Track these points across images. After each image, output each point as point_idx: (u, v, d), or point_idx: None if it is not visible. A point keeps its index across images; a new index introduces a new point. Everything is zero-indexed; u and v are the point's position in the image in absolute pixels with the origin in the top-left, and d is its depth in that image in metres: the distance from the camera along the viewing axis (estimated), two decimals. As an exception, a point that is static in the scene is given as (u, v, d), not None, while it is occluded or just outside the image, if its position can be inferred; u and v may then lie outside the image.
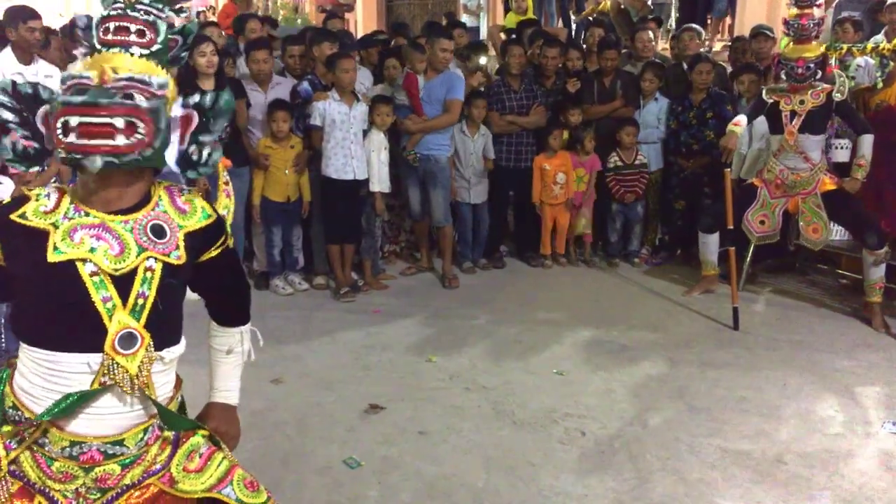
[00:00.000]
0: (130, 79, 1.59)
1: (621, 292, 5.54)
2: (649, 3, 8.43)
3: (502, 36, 7.55)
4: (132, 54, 1.65)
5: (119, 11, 1.66)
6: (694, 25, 6.76)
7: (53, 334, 1.64)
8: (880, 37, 6.27)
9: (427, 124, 5.46)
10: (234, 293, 2.02)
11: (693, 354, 4.42)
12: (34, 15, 4.53)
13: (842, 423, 3.62)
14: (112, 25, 1.66)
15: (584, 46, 6.75)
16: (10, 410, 1.69)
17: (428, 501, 3.02)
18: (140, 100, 1.58)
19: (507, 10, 8.73)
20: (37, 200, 1.66)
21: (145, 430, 1.73)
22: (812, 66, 4.60)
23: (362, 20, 13.69)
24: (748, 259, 5.40)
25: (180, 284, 1.75)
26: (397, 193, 5.82)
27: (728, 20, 9.31)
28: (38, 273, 1.62)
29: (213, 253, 1.82)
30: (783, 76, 4.70)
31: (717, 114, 5.74)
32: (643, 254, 6.18)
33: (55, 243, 1.61)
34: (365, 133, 5.31)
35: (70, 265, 1.61)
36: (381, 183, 5.37)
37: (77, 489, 1.68)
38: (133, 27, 1.66)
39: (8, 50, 4.48)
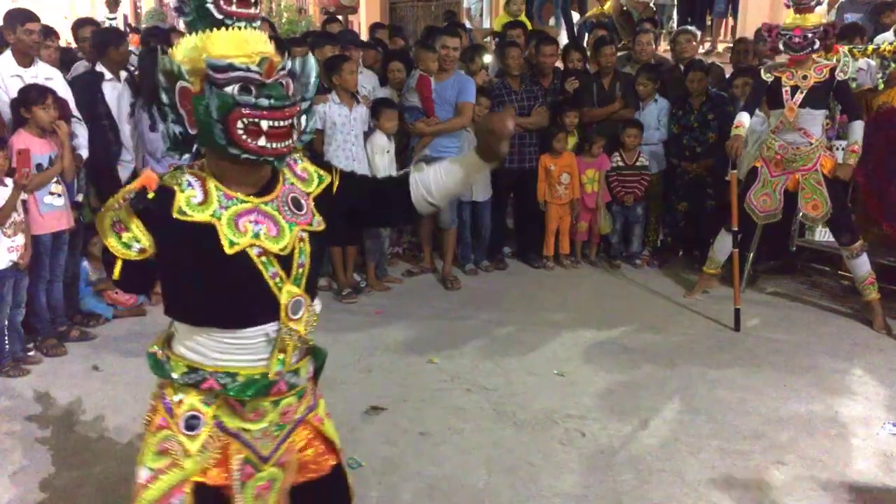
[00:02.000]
0: (285, 71, 1.67)
1: (623, 294, 5.55)
2: (651, 4, 8.45)
3: (487, 40, 7.59)
4: (254, 28, 1.68)
5: None
6: (690, 28, 6.78)
7: (233, 314, 1.76)
8: (889, 34, 6.24)
9: (440, 127, 5.46)
10: (377, 190, 2.02)
11: (694, 356, 4.43)
12: (32, 17, 4.55)
13: (842, 425, 3.63)
14: None
15: (587, 48, 6.77)
16: (190, 374, 1.80)
17: (428, 502, 3.03)
18: (293, 94, 1.69)
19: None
20: (183, 192, 1.71)
21: (307, 364, 1.94)
22: (810, 35, 4.57)
23: (366, 22, 13.72)
24: (750, 260, 5.41)
25: (323, 243, 1.88)
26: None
27: (731, 21, 9.32)
28: (214, 264, 1.70)
29: (336, 185, 1.90)
30: (781, 47, 4.66)
31: (718, 116, 5.75)
32: (645, 255, 6.19)
33: (227, 236, 1.70)
34: (366, 135, 5.33)
35: (242, 252, 1.71)
36: None
37: (264, 429, 1.86)
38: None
39: (7, 52, 4.50)
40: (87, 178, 4.84)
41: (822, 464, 3.29)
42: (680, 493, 3.07)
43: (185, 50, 1.65)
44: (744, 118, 4.85)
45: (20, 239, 4.14)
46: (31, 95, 4.23)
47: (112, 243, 1.73)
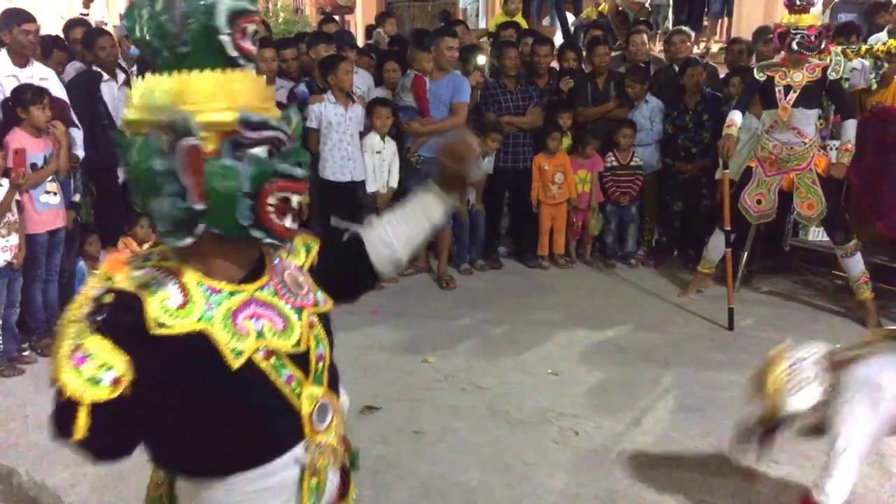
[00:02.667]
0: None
1: (617, 293, 5.56)
2: (647, 4, 8.47)
3: (483, 40, 7.61)
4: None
5: (250, 7, 1.29)
6: (685, 28, 6.80)
7: (247, 449, 1.34)
8: (883, 34, 6.27)
9: (434, 126, 5.45)
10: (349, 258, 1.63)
11: (688, 355, 4.44)
12: (29, 18, 4.55)
13: (834, 423, 3.64)
14: (250, 28, 1.30)
15: (582, 48, 6.79)
16: None
17: (422, 501, 3.04)
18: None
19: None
20: (153, 295, 1.27)
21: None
22: (820, 33, 4.60)
23: (362, 21, 13.74)
24: (744, 259, 5.43)
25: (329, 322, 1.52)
26: (396, 195, 5.84)
27: (726, 21, 9.34)
28: (214, 385, 1.29)
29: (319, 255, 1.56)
30: (794, 46, 4.63)
31: (713, 116, 5.77)
32: (640, 255, 6.21)
33: (229, 345, 1.29)
34: (362, 135, 5.34)
35: (248, 361, 1.31)
36: (377, 182, 5.38)
37: None
38: (258, 32, 1.35)
39: (3, 52, 4.50)
40: (84, 178, 4.84)
41: (815, 462, 3.29)
42: (673, 492, 3.08)
43: (161, 94, 1.25)
44: (736, 117, 4.87)
45: (14, 239, 4.14)
46: (27, 95, 4.23)
47: (69, 383, 1.19)
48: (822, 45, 4.60)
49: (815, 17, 4.66)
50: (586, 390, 3.99)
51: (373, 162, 5.33)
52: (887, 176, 4.95)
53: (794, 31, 4.61)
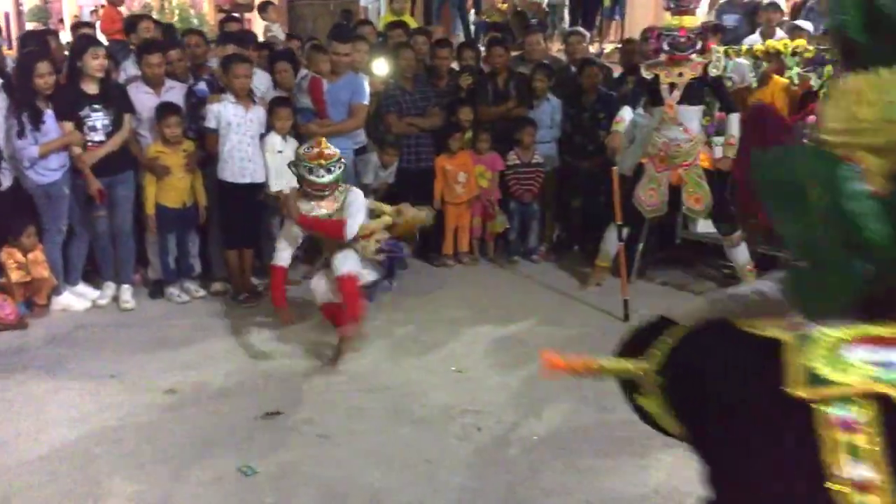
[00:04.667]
0: None
1: (520, 289, 5.67)
2: (544, 5, 8.66)
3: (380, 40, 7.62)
4: None
5: None
6: (580, 29, 7.00)
7: None
8: (755, 36, 6.65)
9: (333, 128, 5.40)
10: None
11: (586, 347, 4.54)
12: None
13: (722, 407, 3.82)
14: None
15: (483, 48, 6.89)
16: None
17: (325, 505, 3.03)
18: None
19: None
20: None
21: None
22: (693, 35, 4.82)
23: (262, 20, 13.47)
24: (639, 252, 5.64)
25: None
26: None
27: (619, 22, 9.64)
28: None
29: None
30: (665, 47, 4.87)
31: (609, 115, 5.95)
32: (541, 251, 6.35)
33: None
34: (263, 136, 5.25)
35: None
36: (280, 182, 5.30)
37: None
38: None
39: None
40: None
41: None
42: (572, 481, 3.17)
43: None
44: (625, 113, 5.06)
45: None
46: None
47: None
48: (699, 46, 4.82)
49: (692, 19, 4.87)
50: (489, 386, 4.05)
51: (274, 162, 5.25)
52: (768, 170, 5.21)
53: (666, 33, 4.84)
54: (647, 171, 5.16)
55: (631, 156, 5.43)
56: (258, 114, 5.18)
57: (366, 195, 5.52)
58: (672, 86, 4.93)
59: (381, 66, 5.92)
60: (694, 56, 4.89)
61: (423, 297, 5.46)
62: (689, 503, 2.99)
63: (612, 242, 5.33)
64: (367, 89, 5.55)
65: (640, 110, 5.25)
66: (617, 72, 6.70)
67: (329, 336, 4.71)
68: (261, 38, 8.25)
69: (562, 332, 4.80)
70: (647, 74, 5.02)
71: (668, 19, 4.93)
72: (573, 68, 6.38)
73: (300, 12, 13.76)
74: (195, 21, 13.34)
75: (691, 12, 4.89)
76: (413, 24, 7.85)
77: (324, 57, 5.44)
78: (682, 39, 4.81)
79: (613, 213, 5.19)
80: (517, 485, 3.15)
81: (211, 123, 5.10)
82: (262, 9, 8.17)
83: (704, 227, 5.48)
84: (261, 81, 5.64)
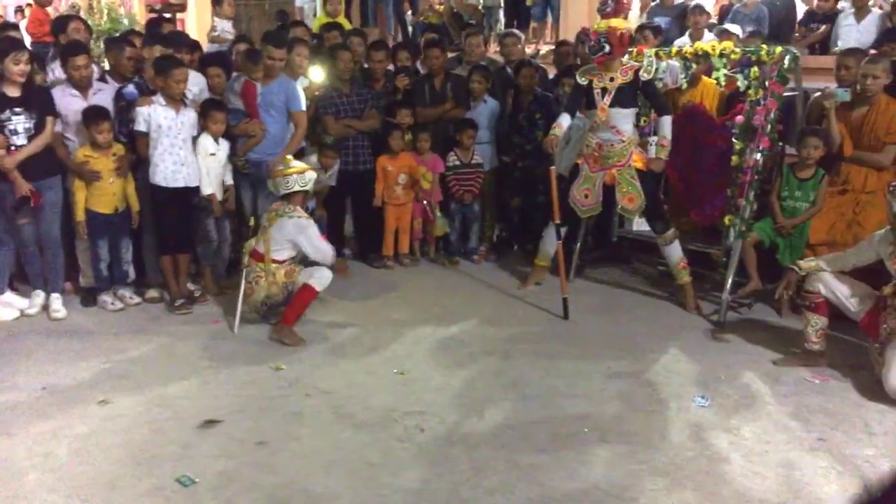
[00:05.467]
0: None
1: (461, 290, 5.70)
2: (479, 7, 8.71)
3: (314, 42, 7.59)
4: None
5: None
6: (515, 31, 7.07)
7: None
8: (685, 39, 6.83)
9: (290, 146, 5.38)
10: None
11: (527, 345, 4.62)
12: None
13: (658, 401, 3.91)
14: None
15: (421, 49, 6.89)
16: None
17: (266, 512, 2.99)
18: None
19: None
20: None
21: None
22: (602, 40, 4.88)
23: (196, 20, 13.24)
24: (577, 250, 5.73)
25: None
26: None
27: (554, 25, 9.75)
28: None
29: None
30: (587, 50, 4.97)
31: (545, 115, 6.04)
32: (482, 251, 6.39)
33: None
34: (195, 139, 5.15)
35: None
36: (213, 185, 5.22)
37: None
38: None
39: None
40: None
41: (641, 438, 3.54)
42: (514, 479, 3.20)
43: None
44: (563, 120, 5.14)
45: None
46: None
47: None
48: (607, 50, 4.90)
49: (620, 22, 4.97)
50: (431, 387, 4.06)
51: (206, 164, 5.16)
52: (698, 169, 5.37)
53: (583, 37, 4.93)
54: (582, 171, 5.25)
55: (567, 157, 5.51)
56: (190, 116, 5.08)
57: (309, 198, 5.52)
58: (605, 90, 5.02)
59: (318, 73, 5.88)
60: (625, 59, 4.99)
61: (364, 299, 5.43)
62: (628, 496, 3.06)
63: (551, 242, 5.40)
64: (302, 94, 5.51)
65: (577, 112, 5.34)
66: (552, 73, 6.80)
67: (267, 341, 4.66)
68: (206, 36, 8.11)
69: (503, 331, 4.84)
70: (581, 80, 5.11)
71: (598, 22, 5.02)
72: (509, 69, 6.44)
73: (235, 12, 13.55)
74: (125, 21, 12.99)
75: (615, 15, 4.96)
76: (348, 25, 7.81)
77: (253, 66, 5.37)
78: (591, 43, 4.91)
79: (551, 213, 5.26)
80: (460, 485, 3.16)
81: (141, 127, 4.98)
82: (217, 2, 7.99)
83: (639, 225, 5.60)
84: (194, 83, 5.53)
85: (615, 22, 4.92)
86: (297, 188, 4.77)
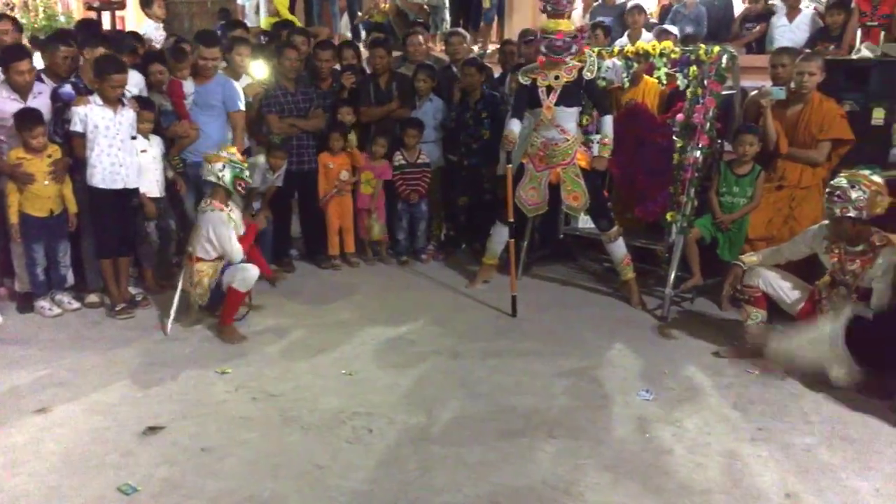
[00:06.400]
0: None
1: (410, 289, 5.69)
2: (425, 6, 8.70)
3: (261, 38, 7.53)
4: None
5: None
6: (460, 30, 7.09)
7: None
8: (624, 39, 6.94)
9: (238, 146, 5.28)
10: None
11: (475, 344, 4.64)
12: None
13: (604, 396, 3.97)
14: None
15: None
16: None
17: (211, 519, 2.94)
18: None
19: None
20: None
21: None
22: (569, 39, 4.95)
23: (135, 18, 12.93)
24: (524, 249, 5.77)
25: None
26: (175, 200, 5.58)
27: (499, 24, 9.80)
28: None
29: None
30: (543, 49, 4.99)
31: (492, 114, 6.07)
32: (430, 250, 6.39)
33: None
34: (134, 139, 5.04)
35: None
36: (146, 184, 5.12)
37: None
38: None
39: None
40: None
41: (587, 432, 3.59)
42: (462, 477, 3.20)
43: None
44: (514, 126, 5.15)
45: None
46: None
47: None
48: (574, 50, 4.97)
49: (568, 23, 5.03)
50: (380, 387, 4.04)
51: (138, 163, 5.07)
52: (641, 167, 5.45)
53: (544, 36, 4.98)
54: (528, 170, 5.29)
55: (515, 157, 5.53)
56: (128, 116, 4.96)
57: (253, 198, 5.46)
58: (549, 89, 5.07)
59: (260, 69, 5.81)
60: (569, 59, 5.04)
61: (311, 300, 5.39)
62: (575, 491, 3.10)
63: (499, 241, 5.44)
64: (242, 93, 5.44)
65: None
66: (497, 72, 6.84)
67: (211, 345, 4.58)
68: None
69: (451, 330, 4.85)
70: (524, 80, 5.14)
71: (545, 22, 5.07)
72: (455, 68, 6.46)
73: (176, 10, 13.26)
74: (62, 19, 12.63)
75: (561, 16, 5.02)
76: (298, 23, 7.74)
77: (179, 64, 5.28)
78: (559, 43, 4.95)
79: (499, 212, 5.29)
80: (408, 484, 3.15)
81: (77, 127, 4.84)
82: (146, 4, 7.79)
83: (585, 222, 5.67)
84: (133, 83, 5.40)
85: (564, 24, 4.96)
86: (210, 178, 4.69)
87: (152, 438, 3.47)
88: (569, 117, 5.13)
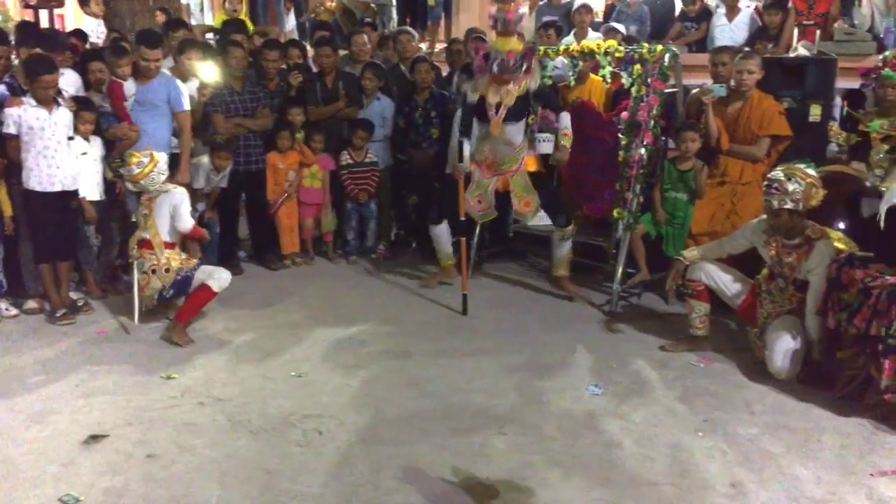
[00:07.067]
0: None
1: (360, 289, 5.65)
2: (372, 4, 8.66)
3: (209, 36, 7.43)
4: None
5: None
6: (408, 28, 7.07)
7: None
8: (570, 38, 7.01)
9: (185, 154, 5.32)
10: None
11: (427, 343, 4.63)
12: None
13: (554, 391, 4.00)
14: None
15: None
16: None
17: (157, 528, 2.87)
18: None
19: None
20: None
21: None
22: (519, 58, 4.91)
23: (74, 16, 12.58)
24: (474, 247, 5.78)
25: None
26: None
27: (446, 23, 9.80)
28: None
29: None
30: (495, 68, 4.90)
31: (440, 113, 6.06)
32: (380, 249, 6.37)
33: None
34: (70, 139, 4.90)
35: None
36: (86, 186, 5.00)
37: None
38: None
39: None
40: None
41: (537, 428, 3.61)
42: (413, 476, 3.19)
43: None
44: (465, 148, 5.10)
45: None
46: None
47: None
48: (524, 68, 4.92)
49: (517, 42, 4.90)
50: (330, 389, 4.00)
51: (78, 164, 4.94)
52: (589, 165, 5.51)
53: (494, 54, 4.90)
54: (475, 177, 5.27)
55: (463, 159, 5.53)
56: (63, 116, 4.81)
57: (198, 200, 5.36)
58: (498, 105, 4.98)
59: (210, 72, 5.69)
60: (517, 74, 5.00)
61: (259, 302, 5.31)
62: (526, 486, 3.11)
63: (445, 240, 5.44)
64: (185, 94, 5.33)
65: None
66: (445, 70, 6.83)
67: (157, 349, 4.48)
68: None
69: (402, 329, 4.83)
70: (472, 97, 5.06)
71: (495, 41, 4.95)
72: (402, 67, 6.44)
73: (117, 8, 12.95)
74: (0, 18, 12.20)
75: (511, 34, 4.92)
76: (249, 24, 7.63)
77: (119, 61, 5.16)
78: (511, 63, 4.86)
79: (441, 210, 5.29)
80: (359, 486, 3.13)
81: (10, 129, 4.69)
82: (83, 1, 7.58)
83: (536, 220, 5.68)
84: (69, 83, 5.26)
85: (511, 43, 4.83)
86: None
87: (95, 447, 3.38)
88: (516, 130, 5.09)
